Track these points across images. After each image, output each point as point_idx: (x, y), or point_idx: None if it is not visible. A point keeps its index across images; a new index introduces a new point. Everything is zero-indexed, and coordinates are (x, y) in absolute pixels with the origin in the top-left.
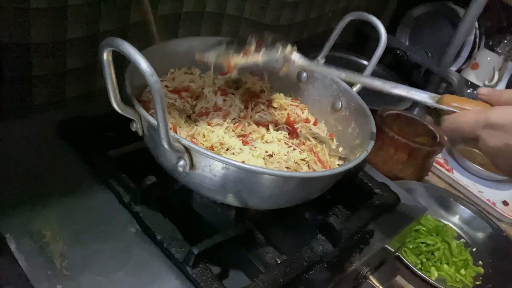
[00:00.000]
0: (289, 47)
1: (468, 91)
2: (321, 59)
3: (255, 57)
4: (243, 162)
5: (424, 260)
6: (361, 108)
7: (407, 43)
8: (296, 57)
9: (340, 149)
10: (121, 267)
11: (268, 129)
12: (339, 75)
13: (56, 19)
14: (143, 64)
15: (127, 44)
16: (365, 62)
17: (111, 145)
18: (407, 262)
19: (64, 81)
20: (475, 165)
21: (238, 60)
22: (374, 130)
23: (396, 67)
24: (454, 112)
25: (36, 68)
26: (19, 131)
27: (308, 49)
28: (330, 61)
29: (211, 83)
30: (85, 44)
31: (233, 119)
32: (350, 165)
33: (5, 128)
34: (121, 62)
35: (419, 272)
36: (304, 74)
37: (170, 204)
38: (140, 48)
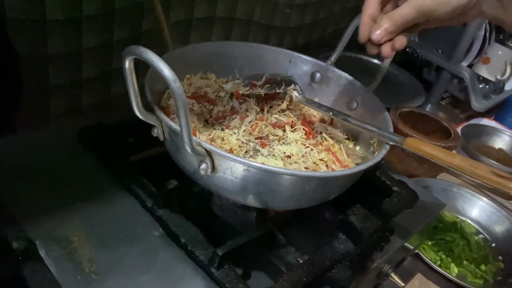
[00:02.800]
0: (292, 85)
1: (481, 86)
2: (333, 60)
3: (258, 90)
4: (263, 163)
5: (444, 256)
6: (377, 106)
7: (417, 40)
8: (295, 94)
9: (357, 148)
10: (147, 270)
11: (284, 130)
12: (320, 109)
13: (72, 29)
14: (166, 71)
15: (149, 52)
16: (376, 62)
17: (132, 151)
18: (427, 259)
19: (80, 90)
20: (490, 160)
21: (244, 90)
22: (391, 128)
23: (407, 65)
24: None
25: (53, 78)
26: (41, 140)
27: (319, 50)
28: (342, 61)
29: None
30: (100, 53)
31: (250, 121)
32: (370, 163)
33: (27, 137)
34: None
35: (439, 268)
36: (318, 75)
37: (190, 207)
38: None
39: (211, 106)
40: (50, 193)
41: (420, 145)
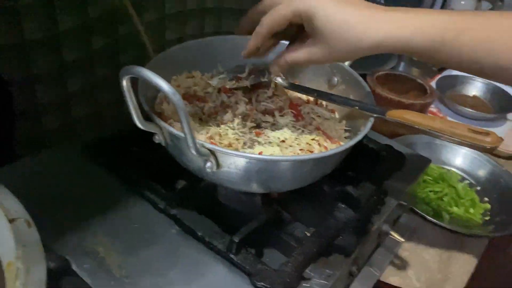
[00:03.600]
0: None
1: None
2: None
3: (244, 82)
4: (261, 153)
5: (435, 207)
6: (356, 80)
7: (382, 1)
8: (279, 80)
9: (344, 122)
10: (173, 266)
11: (274, 116)
12: (304, 93)
13: (51, 46)
14: (165, 86)
15: (145, 70)
16: None
17: (136, 158)
18: (420, 212)
19: (69, 103)
20: (465, 108)
21: (231, 84)
22: (373, 101)
23: None
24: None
25: (41, 97)
26: (44, 163)
27: None
28: None
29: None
30: (82, 65)
31: (241, 113)
32: (359, 137)
33: (29, 162)
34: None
35: (432, 219)
36: None
37: (200, 202)
38: (134, 58)
39: (202, 103)
40: (67, 211)
41: (402, 114)
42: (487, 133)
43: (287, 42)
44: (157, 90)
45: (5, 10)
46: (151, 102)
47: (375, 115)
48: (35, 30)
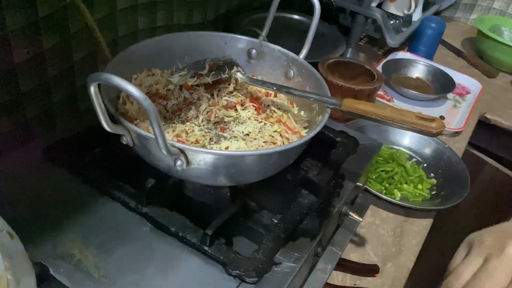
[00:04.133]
0: (234, 68)
1: (391, 22)
2: (265, 34)
3: (205, 79)
4: (227, 148)
5: (387, 185)
6: (311, 72)
7: None
8: (239, 75)
9: (302, 112)
10: (149, 262)
11: (236, 110)
12: (264, 87)
13: (0, 47)
14: (135, 92)
15: (114, 77)
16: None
17: (101, 159)
18: (374, 191)
19: (22, 105)
20: (410, 90)
21: (193, 81)
22: (328, 92)
23: (324, 14)
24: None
25: None
26: (5, 167)
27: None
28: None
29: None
30: (34, 64)
31: (205, 109)
32: (318, 128)
33: None
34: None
35: (384, 196)
36: (254, 51)
37: (169, 198)
38: (87, 55)
39: (165, 101)
40: (37, 217)
41: (355, 104)
42: (433, 119)
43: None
44: (119, 90)
45: None
46: (114, 102)
47: (331, 106)
48: None
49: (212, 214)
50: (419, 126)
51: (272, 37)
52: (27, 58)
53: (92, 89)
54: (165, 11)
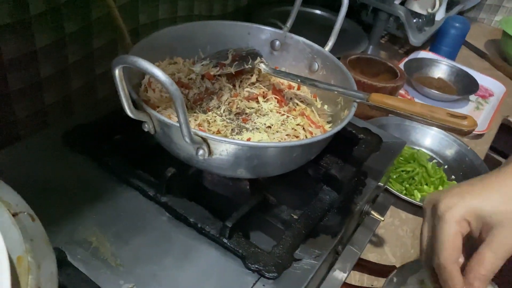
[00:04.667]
0: (258, 59)
1: (414, 20)
2: (289, 26)
3: (228, 69)
4: (249, 139)
5: (407, 186)
6: (336, 66)
7: None
8: (262, 66)
9: (325, 107)
10: (167, 252)
11: (258, 102)
12: (288, 78)
13: (22, 31)
14: (162, 76)
15: (141, 60)
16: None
17: (122, 147)
18: (394, 191)
19: (41, 90)
20: (432, 90)
21: (215, 71)
22: (355, 85)
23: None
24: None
25: (12, 84)
26: (24, 152)
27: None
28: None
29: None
30: (54, 50)
31: (226, 99)
32: (343, 123)
33: (9, 153)
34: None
35: (405, 197)
36: (277, 43)
37: (189, 188)
38: (108, 42)
39: (187, 90)
40: (55, 203)
41: (384, 99)
42: (465, 117)
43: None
44: (140, 77)
45: None
46: (136, 89)
47: (358, 100)
48: (5, 15)
49: (230, 207)
50: (450, 123)
51: (293, 31)
52: (48, 43)
53: (117, 72)
54: (186, 1)
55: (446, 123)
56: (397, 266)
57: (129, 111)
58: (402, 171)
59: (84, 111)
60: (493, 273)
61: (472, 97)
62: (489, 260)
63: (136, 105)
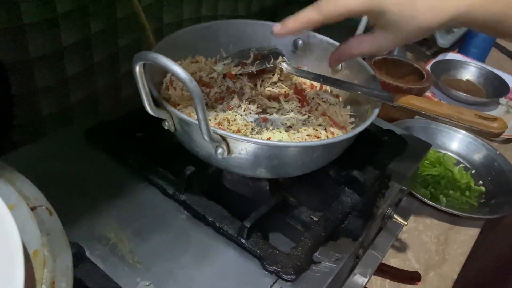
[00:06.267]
0: (280, 58)
1: None
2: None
3: (249, 68)
4: (269, 138)
5: (432, 190)
6: (361, 66)
7: None
8: (284, 65)
9: (348, 107)
10: (185, 251)
11: (279, 101)
12: (310, 78)
13: (49, 29)
14: (181, 73)
15: (161, 56)
16: None
17: (142, 144)
18: (418, 195)
19: (67, 88)
20: (460, 93)
21: (236, 70)
22: (379, 86)
23: None
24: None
25: (39, 81)
26: (48, 148)
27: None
28: None
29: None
30: (80, 48)
31: (247, 98)
32: (366, 124)
33: (30, 150)
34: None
35: (430, 202)
36: (300, 42)
37: (208, 187)
38: (133, 42)
39: (208, 89)
40: (76, 198)
41: (409, 100)
42: (494, 119)
43: None
44: (162, 75)
45: None
46: (158, 88)
47: (382, 101)
48: (32, 13)
49: (249, 207)
50: (479, 125)
51: (317, 31)
52: (74, 42)
53: (137, 69)
54: (211, 1)
55: (474, 125)
56: (421, 272)
57: (149, 108)
58: (427, 175)
59: (107, 109)
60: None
61: (502, 100)
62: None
63: (156, 103)
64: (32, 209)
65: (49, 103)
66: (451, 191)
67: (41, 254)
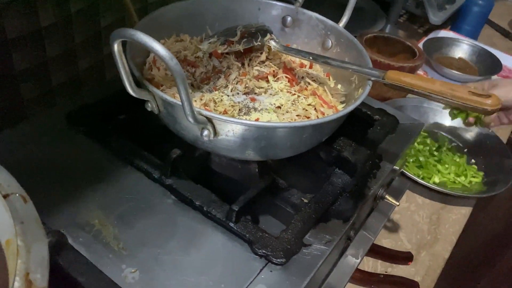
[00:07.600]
0: (268, 35)
1: None
2: (301, 1)
3: (236, 46)
4: (257, 119)
5: (425, 170)
6: (351, 42)
7: None
8: (272, 43)
9: (339, 86)
10: (172, 236)
11: (268, 81)
12: (299, 56)
13: (26, 9)
14: (161, 50)
15: (140, 33)
16: None
17: (125, 127)
18: (410, 175)
19: (48, 70)
20: (452, 70)
21: (223, 49)
22: (370, 63)
23: None
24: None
25: (17, 63)
26: (29, 132)
27: None
28: None
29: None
30: (60, 29)
31: (234, 78)
32: (357, 103)
33: (14, 133)
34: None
35: (422, 181)
36: (289, 19)
37: (195, 171)
38: (115, 21)
39: (193, 69)
40: (57, 184)
41: (401, 77)
42: (488, 96)
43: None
44: (145, 55)
45: None
46: (140, 68)
47: (372, 79)
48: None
49: (238, 190)
50: (473, 102)
51: (306, 7)
52: (53, 22)
53: (116, 47)
54: None
55: (468, 102)
56: (413, 252)
57: (130, 89)
58: (419, 154)
59: (90, 91)
60: None
61: (495, 78)
62: None
63: (139, 83)
64: (5, 196)
65: (29, 86)
66: (443, 170)
67: (14, 244)
